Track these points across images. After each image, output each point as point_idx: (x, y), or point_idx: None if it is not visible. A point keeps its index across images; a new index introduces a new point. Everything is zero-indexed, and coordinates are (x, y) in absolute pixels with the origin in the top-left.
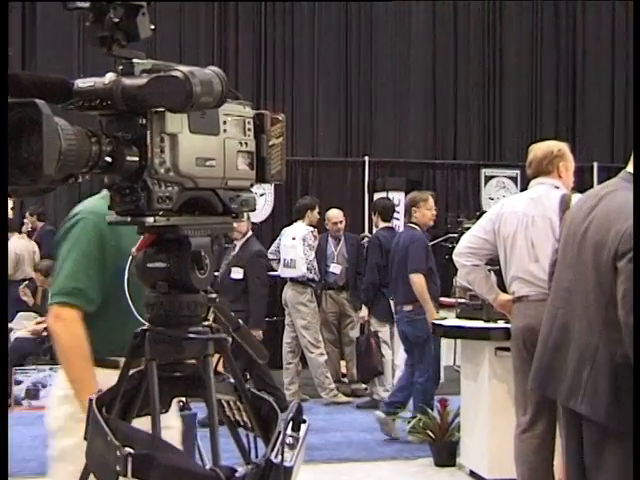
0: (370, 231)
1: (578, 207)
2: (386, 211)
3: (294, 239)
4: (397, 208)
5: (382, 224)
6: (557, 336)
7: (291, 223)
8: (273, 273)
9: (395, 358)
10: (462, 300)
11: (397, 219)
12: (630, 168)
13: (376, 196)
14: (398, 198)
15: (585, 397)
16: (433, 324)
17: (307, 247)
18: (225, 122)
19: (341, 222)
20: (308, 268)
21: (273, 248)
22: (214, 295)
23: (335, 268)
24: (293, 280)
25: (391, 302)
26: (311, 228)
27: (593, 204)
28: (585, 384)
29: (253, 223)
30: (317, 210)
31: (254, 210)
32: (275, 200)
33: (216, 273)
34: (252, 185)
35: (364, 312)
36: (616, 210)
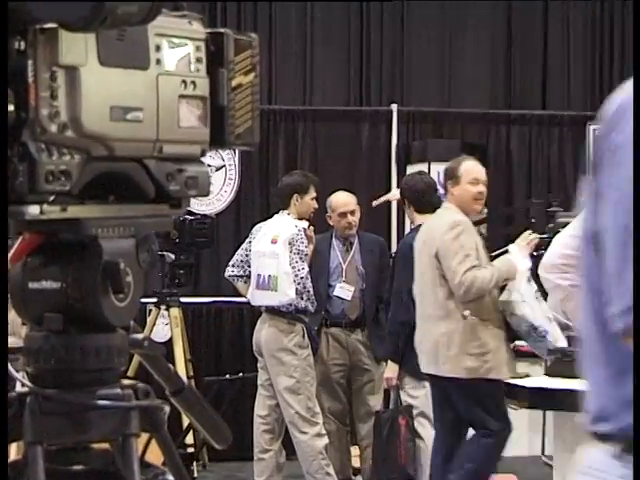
0: (399, 229)
1: None
2: (422, 196)
3: (274, 242)
4: None
5: (419, 218)
6: None
7: (270, 216)
8: (237, 299)
9: None
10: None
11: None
12: None
13: (410, 170)
14: None
15: None
16: (508, 386)
17: (296, 255)
18: (159, 48)
19: (353, 213)
20: (299, 291)
21: (238, 258)
22: (141, 336)
23: (343, 290)
24: (273, 311)
25: None
26: (303, 224)
27: None
28: None
29: (203, 216)
30: (313, 194)
31: (207, 194)
32: (242, 177)
33: (149, 299)
34: (204, 153)
35: (391, 370)
36: None
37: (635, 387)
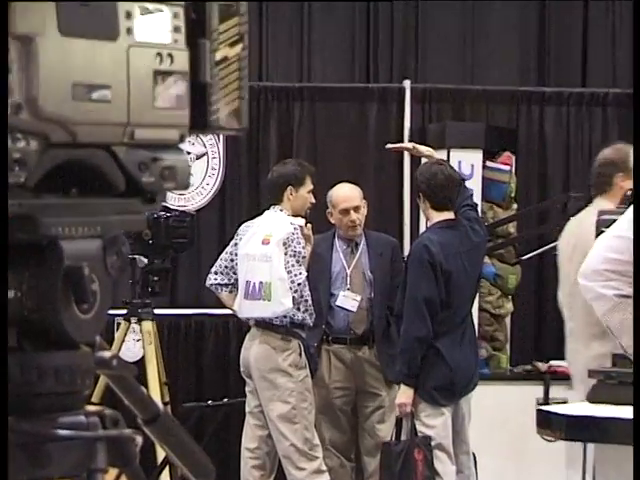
0: (413, 228)
1: None
2: (441, 191)
3: (266, 243)
4: (469, 183)
5: (436, 216)
6: None
7: (260, 213)
8: (221, 311)
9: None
10: (598, 368)
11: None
12: None
13: (424, 159)
14: (471, 162)
15: None
16: (541, 414)
17: (292, 258)
18: (130, 15)
19: (357, 210)
20: (296, 300)
21: (222, 263)
22: (108, 354)
23: (347, 300)
24: (264, 325)
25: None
26: (299, 221)
27: None
28: None
29: (182, 212)
30: (310, 187)
31: (186, 187)
32: (227, 167)
33: (117, 311)
34: (183, 138)
35: (404, 395)
36: None
37: (635, 386)
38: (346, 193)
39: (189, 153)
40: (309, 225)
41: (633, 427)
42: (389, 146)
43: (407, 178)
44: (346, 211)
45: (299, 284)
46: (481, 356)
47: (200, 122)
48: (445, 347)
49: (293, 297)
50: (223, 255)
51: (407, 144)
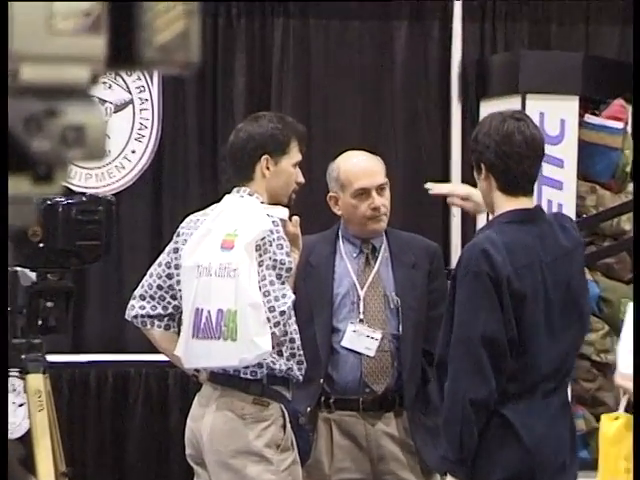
0: (465, 225)
1: None
2: (518, 164)
3: (229, 247)
4: (559, 149)
5: (505, 203)
6: None
7: (217, 199)
8: (154, 357)
9: None
10: None
11: (556, 186)
12: None
13: (487, 108)
14: (560, 116)
15: None
16: None
17: (271, 272)
18: None
19: (382, 190)
20: (277, 339)
21: (152, 281)
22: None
23: (360, 338)
24: (225, 380)
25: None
26: (280, 212)
27: None
28: None
29: (93, 198)
30: (297, 157)
31: (102, 157)
32: (165, 125)
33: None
34: (97, 80)
35: None
36: None
37: (635, 386)
38: (362, 165)
39: (105, 102)
40: (296, 218)
41: (633, 428)
42: (429, 186)
43: (456, 142)
44: (365, 192)
45: (282, 313)
46: (579, 430)
47: (123, 54)
48: (518, 416)
49: (273, 334)
50: (155, 268)
51: (457, 189)
